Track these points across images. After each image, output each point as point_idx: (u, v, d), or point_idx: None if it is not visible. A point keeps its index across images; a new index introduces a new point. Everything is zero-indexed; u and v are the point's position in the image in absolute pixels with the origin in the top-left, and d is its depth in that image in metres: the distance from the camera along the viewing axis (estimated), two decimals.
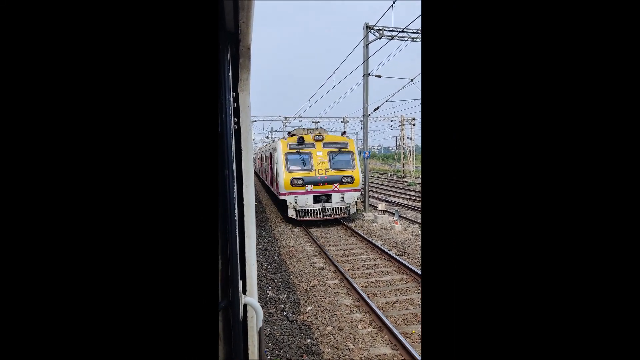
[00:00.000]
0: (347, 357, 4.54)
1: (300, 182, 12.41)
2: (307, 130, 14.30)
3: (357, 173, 12.88)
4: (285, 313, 5.84)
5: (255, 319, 1.45)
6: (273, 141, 18.21)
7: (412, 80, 13.12)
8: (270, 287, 6.98)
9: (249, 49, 1.41)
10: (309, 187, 12.47)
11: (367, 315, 5.61)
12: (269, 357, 4.65)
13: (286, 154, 12.71)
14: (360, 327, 5.27)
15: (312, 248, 9.69)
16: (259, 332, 1.40)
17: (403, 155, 37.02)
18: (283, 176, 12.39)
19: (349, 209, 12.94)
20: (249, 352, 1.53)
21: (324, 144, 13.05)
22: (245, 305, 1.44)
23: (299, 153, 12.77)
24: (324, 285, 6.98)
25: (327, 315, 5.69)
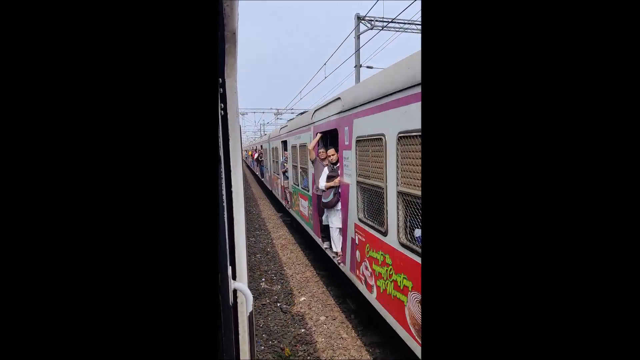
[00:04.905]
0: (340, 345, 4.60)
1: None
2: None
3: None
4: (279, 304, 5.87)
5: (245, 304, 1.45)
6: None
7: None
8: (263, 279, 7.00)
9: (234, 34, 1.38)
10: None
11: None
12: (259, 341, 4.69)
13: None
14: (353, 316, 5.32)
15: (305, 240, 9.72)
16: (249, 317, 1.41)
17: None
18: None
19: None
20: (240, 337, 1.54)
21: None
22: (235, 291, 1.44)
23: None
24: (317, 275, 7.02)
25: (320, 306, 5.73)
